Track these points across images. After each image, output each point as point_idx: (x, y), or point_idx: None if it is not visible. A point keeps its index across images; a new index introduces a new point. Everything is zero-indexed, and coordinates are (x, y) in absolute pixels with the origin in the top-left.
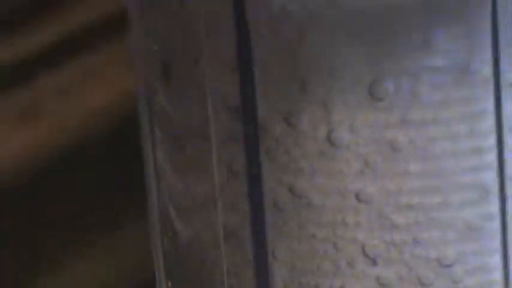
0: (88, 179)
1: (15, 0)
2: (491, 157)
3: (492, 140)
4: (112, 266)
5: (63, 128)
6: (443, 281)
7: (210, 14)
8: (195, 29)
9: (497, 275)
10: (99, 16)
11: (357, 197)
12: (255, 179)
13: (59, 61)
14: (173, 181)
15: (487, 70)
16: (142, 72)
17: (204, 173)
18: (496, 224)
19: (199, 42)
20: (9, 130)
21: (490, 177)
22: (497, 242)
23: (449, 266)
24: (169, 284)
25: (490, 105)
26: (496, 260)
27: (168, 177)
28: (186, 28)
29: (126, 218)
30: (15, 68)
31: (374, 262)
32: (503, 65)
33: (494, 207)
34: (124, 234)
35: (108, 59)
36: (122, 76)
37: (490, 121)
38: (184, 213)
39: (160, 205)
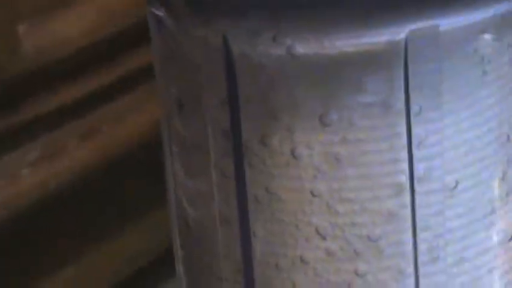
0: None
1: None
2: (405, 165)
3: (405, 153)
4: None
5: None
6: (371, 251)
7: (209, 67)
8: (199, 77)
9: (409, 247)
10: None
11: (312, 193)
12: (241, 181)
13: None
14: (184, 181)
15: (401, 104)
16: (164, 106)
17: (205, 175)
18: (408, 211)
19: (201, 86)
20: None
21: (404, 179)
22: (408, 223)
23: (376, 240)
24: (182, 253)
25: (403, 129)
26: (408, 235)
27: (181, 178)
28: (194, 78)
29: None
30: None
31: (324, 238)
32: (412, 102)
33: (407, 199)
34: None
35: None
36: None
37: (404, 140)
38: (192, 203)
39: (176, 197)
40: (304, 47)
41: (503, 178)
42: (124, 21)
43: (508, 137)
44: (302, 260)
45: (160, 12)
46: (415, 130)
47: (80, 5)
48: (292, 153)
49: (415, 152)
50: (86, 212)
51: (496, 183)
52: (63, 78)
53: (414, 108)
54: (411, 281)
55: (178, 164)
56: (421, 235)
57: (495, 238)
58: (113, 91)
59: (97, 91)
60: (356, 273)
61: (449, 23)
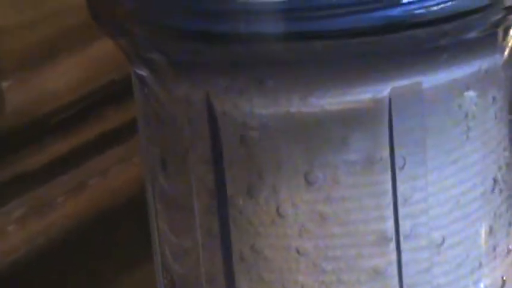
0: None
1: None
2: (390, 223)
3: (390, 211)
4: None
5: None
6: None
7: (193, 127)
8: (183, 138)
9: None
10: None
11: (297, 251)
12: (226, 239)
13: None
14: (169, 237)
15: (386, 162)
16: (148, 164)
17: (190, 233)
18: (394, 268)
19: (185, 146)
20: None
21: (390, 237)
22: (395, 281)
23: None
24: None
25: (389, 186)
26: None
27: (166, 234)
28: (177, 137)
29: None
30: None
31: None
32: (396, 159)
33: (393, 257)
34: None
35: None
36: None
37: (389, 197)
38: (178, 259)
39: (161, 253)
40: (288, 105)
41: (490, 233)
42: (109, 75)
43: (493, 192)
44: None
45: (143, 72)
46: (400, 187)
47: (65, 60)
48: (278, 211)
49: (400, 209)
50: (75, 266)
51: (482, 238)
52: (50, 133)
53: (399, 165)
54: None
55: (162, 220)
56: None
57: None
58: (99, 145)
59: (83, 145)
60: None
61: (432, 80)
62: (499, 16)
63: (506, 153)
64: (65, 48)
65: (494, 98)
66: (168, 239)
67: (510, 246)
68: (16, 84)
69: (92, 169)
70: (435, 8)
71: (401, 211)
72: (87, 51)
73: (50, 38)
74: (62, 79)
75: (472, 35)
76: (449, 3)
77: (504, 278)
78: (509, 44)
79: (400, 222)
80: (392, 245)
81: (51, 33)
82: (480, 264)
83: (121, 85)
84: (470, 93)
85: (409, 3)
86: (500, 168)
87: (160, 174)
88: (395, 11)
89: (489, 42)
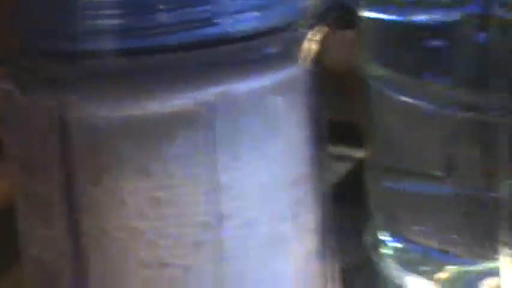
0: None
1: None
2: (213, 206)
3: (214, 196)
4: None
5: None
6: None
7: (49, 134)
8: (40, 143)
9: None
10: None
11: (138, 231)
12: (79, 223)
13: None
14: (34, 231)
15: (208, 156)
16: (12, 166)
17: (50, 222)
18: (217, 243)
19: (42, 150)
20: None
21: (211, 217)
22: (218, 254)
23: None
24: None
25: (209, 176)
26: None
27: (32, 229)
28: (34, 143)
29: None
30: None
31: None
32: (217, 154)
33: (216, 233)
34: None
35: None
36: None
37: (213, 185)
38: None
39: (31, 247)
40: (128, 110)
41: (296, 216)
42: None
43: (297, 182)
44: None
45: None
46: (221, 177)
47: None
48: (121, 198)
49: (221, 195)
50: None
51: (289, 219)
52: None
53: (219, 160)
54: None
55: (28, 218)
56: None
57: (289, 265)
58: None
59: None
60: None
61: (242, 86)
62: (292, 35)
63: (309, 151)
64: None
65: (295, 102)
66: (34, 233)
67: (311, 226)
68: None
69: None
70: (241, 27)
71: (223, 197)
72: None
73: None
74: None
75: (272, 50)
76: (251, 24)
77: (307, 249)
78: (305, 57)
79: (222, 205)
80: (215, 223)
81: None
82: (288, 240)
83: None
84: (275, 98)
85: (221, 23)
86: (302, 162)
87: (23, 175)
88: (211, 30)
89: (287, 55)
